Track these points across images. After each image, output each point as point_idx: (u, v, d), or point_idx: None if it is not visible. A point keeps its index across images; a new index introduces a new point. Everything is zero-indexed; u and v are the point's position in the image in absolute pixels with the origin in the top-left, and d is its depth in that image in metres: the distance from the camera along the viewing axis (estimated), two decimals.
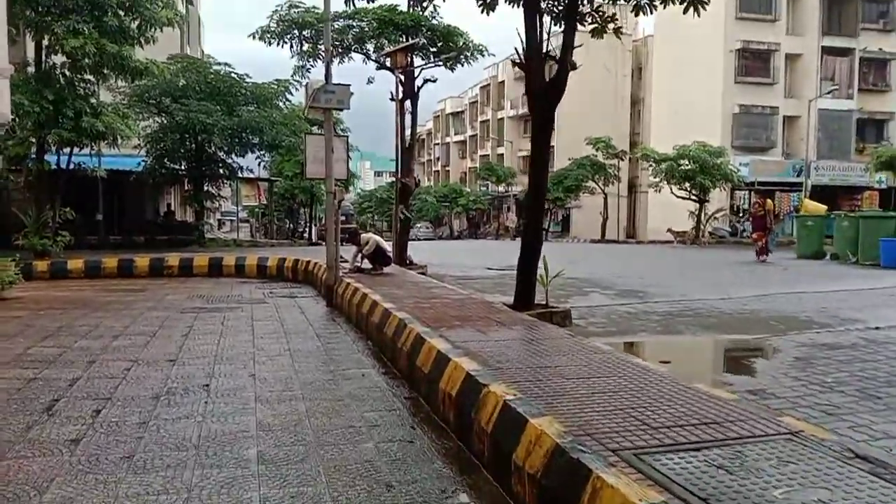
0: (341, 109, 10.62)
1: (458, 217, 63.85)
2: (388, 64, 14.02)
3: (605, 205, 39.62)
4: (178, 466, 3.81)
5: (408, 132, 14.16)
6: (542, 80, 7.91)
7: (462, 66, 14.56)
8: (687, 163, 31.29)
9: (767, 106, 38.79)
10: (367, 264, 11.61)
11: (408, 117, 14.13)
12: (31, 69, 17.62)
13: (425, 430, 4.53)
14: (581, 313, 8.52)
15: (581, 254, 23.86)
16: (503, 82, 65.57)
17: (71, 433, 4.31)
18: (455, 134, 79.34)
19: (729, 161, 32.31)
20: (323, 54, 14.55)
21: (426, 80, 13.91)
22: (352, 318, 8.89)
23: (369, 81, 14.20)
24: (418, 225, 59.79)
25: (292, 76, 13.94)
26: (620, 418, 3.51)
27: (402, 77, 13.53)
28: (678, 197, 32.46)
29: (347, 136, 11.21)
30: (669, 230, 31.02)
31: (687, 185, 32.48)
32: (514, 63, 8.24)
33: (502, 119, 65.18)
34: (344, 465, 3.90)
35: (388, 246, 11.67)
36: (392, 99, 13.87)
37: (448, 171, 79.92)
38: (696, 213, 32.76)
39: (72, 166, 19.00)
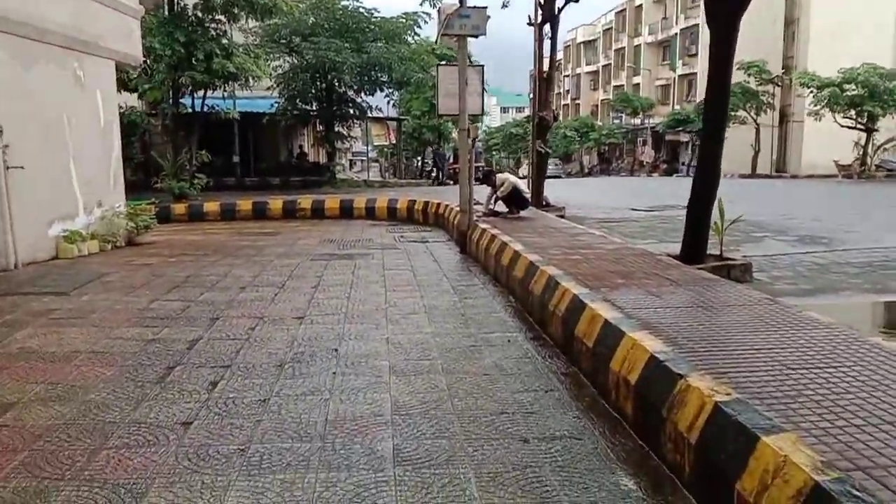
0: (477, 36, 9.58)
1: (588, 152, 61.36)
2: None
3: (756, 136, 36.31)
4: (300, 466, 3.15)
5: (546, 61, 12.92)
6: None
7: None
8: (854, 88, 27.78)
9: None
10: (501, 207, 10.72)
11: (546, 44, 12.88)
12: (163, 11, 17.63)
13: (594, 423, 3.65)
14: (759, 264, 7.26)
15: (735, 191, 21.66)
16: (640, 6, 61.56)
17: (182, 413, 3.77)
18: (587, 64, 75.85)
19: None
20: None
21: (568, 0, 12.56)
22: (489, 268, 8.07)
23: (504, 5, 13.03)
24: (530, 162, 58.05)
25: (421, 4, 12.96)
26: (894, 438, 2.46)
27: None
28: (842, 126, 29.08)
29: (483, 67, 10.14)
30: (836, 163, 27.83)
31: (852, 112, 28.96)
32: None
33: (639, 46, 61.42)
34: (499, 470, 3.10)
35: (524, 187, 10.70)
36: (530, 23, 12.66)
37: (578, 104, 76.86)
38: (864, 143, 29.24)
39: (206, 109, 19.10)
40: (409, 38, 24.60)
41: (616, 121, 60.22)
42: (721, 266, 6.69)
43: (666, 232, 10.86)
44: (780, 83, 34.56)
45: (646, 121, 51.85)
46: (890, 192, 20.50)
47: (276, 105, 24.05)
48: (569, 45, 79.09)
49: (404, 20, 23.89)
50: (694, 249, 6.81)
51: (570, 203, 14.34)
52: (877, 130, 29.53)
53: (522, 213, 10.63)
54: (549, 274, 5.66)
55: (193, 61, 17.26)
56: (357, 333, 5.45)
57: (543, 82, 12.70)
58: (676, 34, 54.21)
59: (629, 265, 6.15)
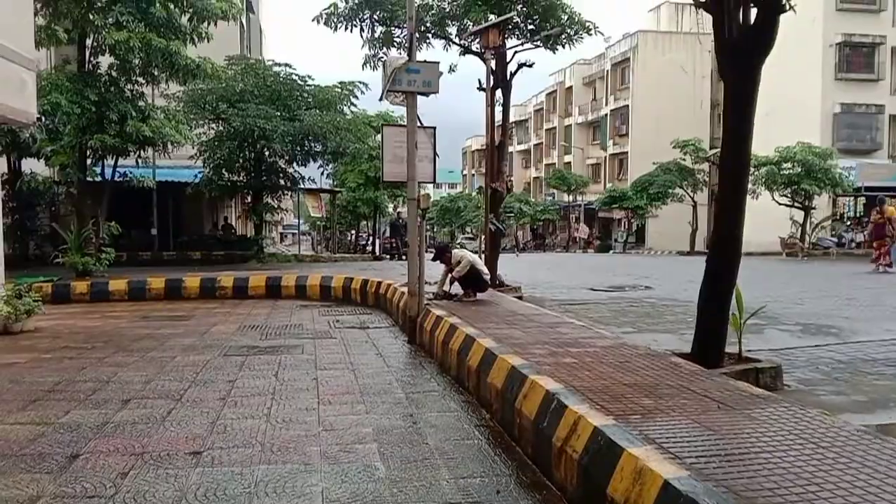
0: (428, 94, 8.29)
1: (521, 228, 61.11)
2: (475, 47, 11.71)
3: (694, 214, 36.31)
4: None
5: (497, 129, 11.76)
6: (739, 25, 5.40)
7: (564, 47, 12.09)
8: (790, 166, 27.99)
9: (872, 104, 35.05)
10: (456, 288, 9.23)
11: (498, 111, 11.75)
12: (73, 67, 15.90)
13: None
14: (774, 359, 5.94)
15: (685, 270, 20.97)
16: (570, 88, 62.92)
17: None
18: (518, 143, 76.78)
19: (837, 164, 28.84)
20: (398, 39, 12.39)
21: (521, 65, 11.51)
22: (447, 365, 6.51)
23: (451, 70, 11.91)
24: (482, 237, 57.35)
25: (363, 66, 11.71)
26: None
27: (494, 61, 11.16)
28: (780, 205, 29.14)
29: (434, 129, 8.85)
30: (781, 240, 27.65)
31: (788, 191, 29.12)
32: (696, 4, 5.74)
33: (570, 126, 62.43)
34: None
35: (483, 266, 9.26)
36: (480, 88, 11.52)
37: (512, 180, 77.34)
38: (802, 222, 29.29)
39: (118, 177, 17.22)
40: (346, 109, 23.42)
41: (549, 198, 60.40)
42: (748, 370, 5.33)
43: (640, 317, 9.58)
44: (714, 161, 34.79)
45: (578, 198, 51.96)
46: (844, 270, 20.05)
47: (201, 175, 22.28)
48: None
49: (340, 89, 22.74)
50: (711, 348, 5.44)
51: (520, 281, 13.00)
52: (814, 209, 29.77)
53: (479, 296, 9.16)
54: (548, 390, 4.14)
55: (105, 123, 15.51)
56: (277, 483, 3.76)
57: (496, 151, 11.50)
58: (606, 115, 55.26)
59: (641, 373, 4.70)
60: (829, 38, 34.75)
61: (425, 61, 8.36)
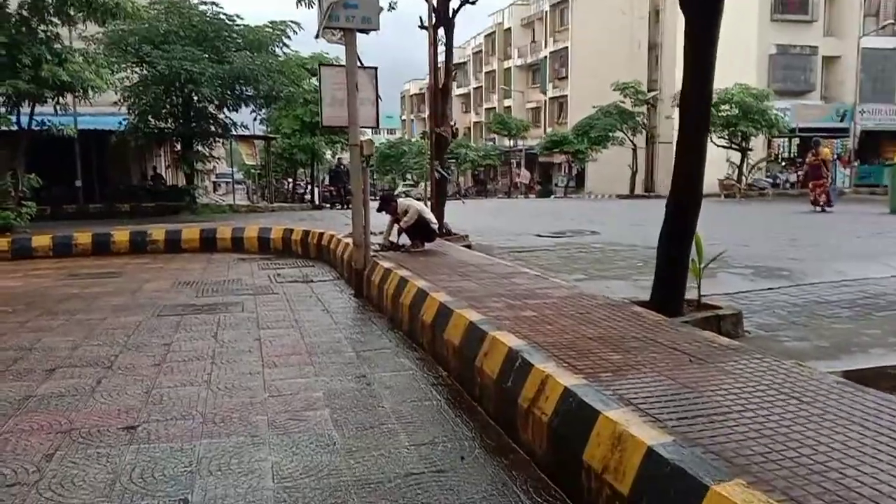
0: (368, 31, 7.78)
1: (463, 174, 60.69)
2: None
3: (633, 157, 36.48)
4: None
5: (441, 70, 11.29)
6: None
7: None
8: (728, 108, 28.23)
9: (806, 45, 35.52)
10: (403, 239, 8.90)
11: (440, 51, 11.25)
12: None
13: None
14: (731, 305, 5.85)
15: (629, 213, 21.05)
16: (509, 29, 61.98)
17: None
18: (457, 87, 75.67)
19: (773, 106, 29.23)
20: None
21: (464, 1, 11.00)
22: (399, 321, 6.23)
23: (391, 7, 11.30)
24: (422, 184, 56.66)
25: (297, 3, 10.98)
26: None
27: None
28: (718, 146, 29.46)
29: (376, 69, 8.36)
30: (720, 182, 28.03)
31: (725, 133, 29.45)
32: None
33: (509, 69, 61.69)
34: None
35: (431, 215, 8.92)
36: (422, 26, 10.98)
37: (456, 125, 76.48)
38: (739, 163, 29.76)
39: (35, 126, 16.07)
40: (278, 50, 22.37)
41: (489, 143, 59.99)
42: (709, 318, 5.19)
43: (590, 264, 9.45)
44: (653, 104, 35.03)
45: (519, 143, 51.68)
46: (782, 210, 20.45)
47: (126, 122, 21.06)
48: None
49: (271, 29, 21.66)
50: (671, 295, 5.28)
51: (465, 229, 12.74)
52: (751, 150, 30.23)
53: (427, 246, 8.86)
54: (510, 347, 3.90)
55: (18, 68, 14.34)
56: (222, 459, 3.44)
57: (440, 94, 11.05)
58: (546, 57, 54.70)
59: (604, 325, 4.50)
60: None
61: None
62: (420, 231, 8.67)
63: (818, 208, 18.99)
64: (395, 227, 8.81)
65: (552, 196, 43.36)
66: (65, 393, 4.50)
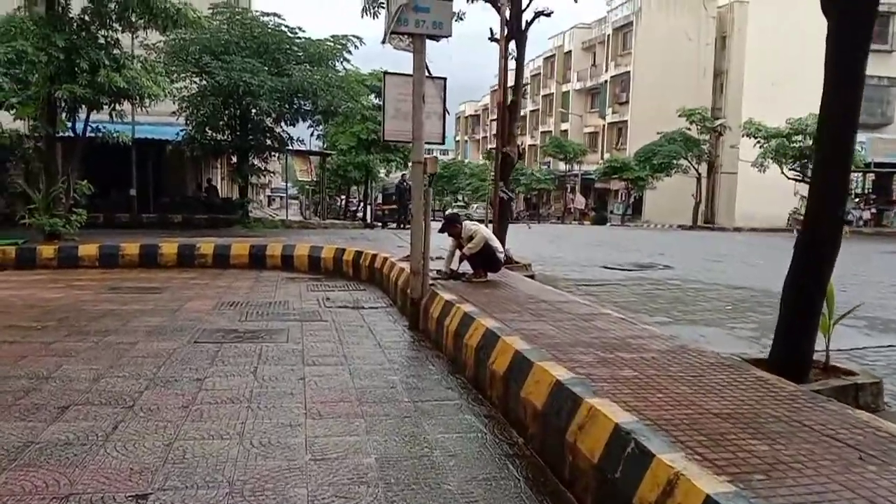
0: (439, 38, 7.09)
1: (516, 198, 59.83)
2: None
3: (698, 186, 35.14)
4: None
5: (510, 85, 10.55)
6: None
7: None
8: (801, 139, 26.83)
9: (885, 76, 33.85)
10: (465, 266, 8.11)
11: (510, 66, 10.52)
12: (40, 10, 14.44)
13: None
14: (861, 368, 4.89)
15: (698, 246, 19.92)
16: (569, 52, 61.23)
17: None
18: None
19: None
20: None
21: (538, 13, 10.26)
22: (461, 364, 5.43)
23: (459, 18, 10.65)
24: (474, 206, 55.99)
25: (362, 13, 10.42)
26: None
27: (509, 9, 9.91)
28: (790, 178, 28.09)
29: (445, 80, 7.65)
30: (792, 216, 26.62)
31: (796, 164, 28.02)
32: None
33: (567, 92, 60.83)
34: None
35: (497, 242, 8.12)
36: (492, 39, 10.28)
37: (522, 145, 75.80)
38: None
39: (90, 132, 15.88)
40: (338, 65, 22.01)
41: (544, 166, 59.05)
42: (846, 387, 4.27)
43: (670, 304, 8.54)
44: (721, 132, 33.69)
45: (575, 167, 50.66)
46: (867, 250, 19.07)
47: (183, 132, 20.91)
48: (496, 90, 78.29)
49: (332, 43, 21.33)
50: (797, 356, 4.36)
51: (525, 256, 11.90)
52: None
53: (490, 276, 8.05)
54: (617, 423, 3.05)
55: (76, 72, 14.13)
56: None
57: (508, 110, 10.30)
58: (606, 81, 53.73)
59: (726, 394, 3.62)
60: None
61: None
62: (484, 259, 7.87)
63: None
64: (458, 253, 8.04)
65: (608, 223, 42.22)
66: (73, 440, 3.81)
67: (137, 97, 15.70)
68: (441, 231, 7.91)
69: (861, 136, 31.31)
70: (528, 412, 3.93)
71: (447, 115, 7.79)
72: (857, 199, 32.49)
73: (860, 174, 32.57)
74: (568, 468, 3.35)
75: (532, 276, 9.65)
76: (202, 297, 9.15)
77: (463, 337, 5.46)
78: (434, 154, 7.96)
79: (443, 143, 7.95)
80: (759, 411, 3.34)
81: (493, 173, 11.60)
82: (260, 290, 10.08)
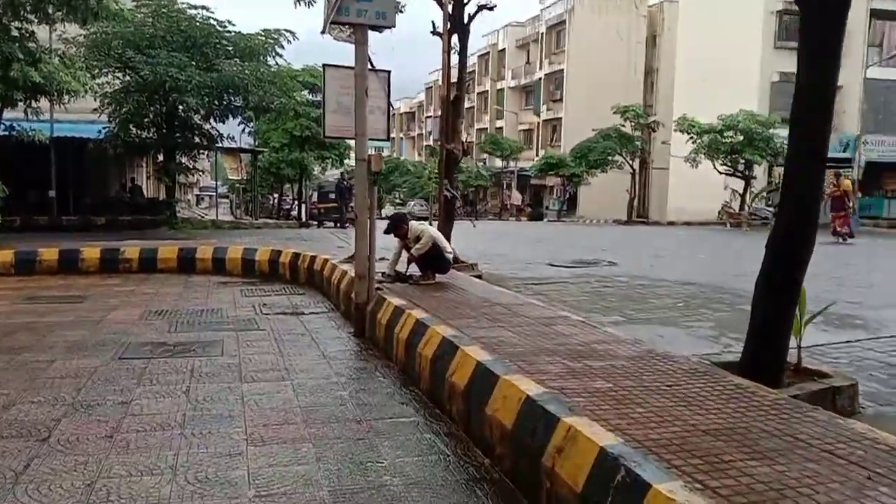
0: (381, 29, 6.70)
1: (459, 196, 59.55)
2: None
3: (632, 181, 35.59)
4: None
5: (454, 80, 10.21)
6: None
7: None
8: (732, 134, 27.46)
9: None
10: (413, 268, 7.74)
11: (454, 59, 10.18)
12: None
13: None
14: (833, 369, 4.75)
15: (637, 240, 20.00)
16: (503, 50, 61.34)
17: None
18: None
19: (778, 133, 28.52)
20: None
21: (481, 7, 9.95)
22: (416, 376, 5.07)
23: (399, 10, 10.20)
24: (411, 203, 55.58)
25: (295, 2, 9.89)
26: None
27: (451, 2, 9.58)
28: (721, 173, 28.68)
29: (389, 73, 7.26)
30: (726, 210, 27.26)
31: (727, 159, 28.67)
32: None
33: (502, 90, 60.99)
34: None
35: (446, 242, 7.76)
36: (435, 32, 9.93)
37: (467, 142, 75.50)
38: (742, 191, 28.95)
39: (3, 130, 14.83)
40: (270, 60, 21.23)
41: (479, 163, 59.10)
42: (824, 390, 4.09)
43: (622, 302, 8.37)
44: (655, 128, 34.21)
45: (510, 164, 50.76)
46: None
47: (106, 130, 19.81)
48: (430, 87, 78.09)
49: (263, 37, 20.54)
50: (770, 359, 4.16)
51: (470, 256, 11.61)
52: (754, 178, 29.47)
53: (439, 278, 7.70)
54: (601, 446, 2.75)
55: None
56: None
57: (452, 105, 9.97)
58: (540, 79, 54.07)
59: (710, 406, 3.37)
60: (770, 5, 34.41)
61: None
62: (432, 261, 7.52)
63: (840, 239, 18.48)
64: (404, 254, 7.66)
65: (544, 219, 42.43)
66: None
67: (55, 93, 14.77)
68: (387, 232, 7.51)
69: (786, 131, 32.33)
70: (496, 431, 3.60)
71: (392, 109, 7.40)
72: None
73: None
74: (545, 495, 3.03)
75: (480, 276, 9.35)
76: (127, 306, 8.51)
77: (416, 346, 5.10)
78: (378, 150, 7.56)
79: (387, 140, 7.56)
80: (748, 425, 3.10)
81: (433, 170, 11.23)
82: (190, 296, 9.47)
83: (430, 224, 9.80)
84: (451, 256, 7.75)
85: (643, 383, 3.71)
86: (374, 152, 6.98)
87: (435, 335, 4.91)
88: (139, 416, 4.31)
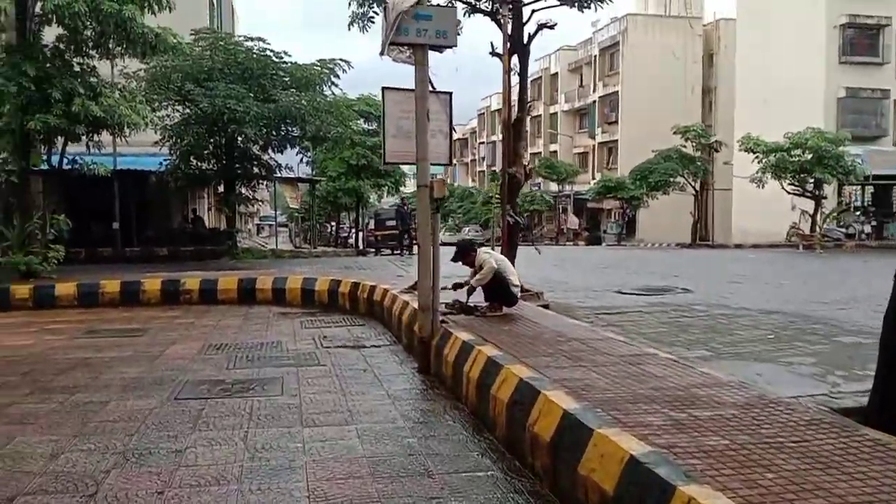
0: (442, 49, 6.38)
1: (524, 222, 58.99)
2: (484, 5, 9.76)
3: (695, 204, 34.50)
4: None
5: (514, 100, 9.83)
6: None
7: (590, 7, 10.16)
8: (800, 153, 26.37)
9: (878, 89, 33.59)
10: (480, 300, 7.30)
11: (514, 80, 9.80)
12: (10, 37, 13.68)
13: None
14: None
15: (708, 265, 19.19)
16: (556, 74, 60.97)
17: None
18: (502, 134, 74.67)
19: (848, 151, 27.30)
20: None
21: (541, 26, 9.58)
22: (490, 420, 4.62)
23: (459, 31, 9.93)
24: (466, 228, 55.31)
25: (349, 24, 9.73)
26: None
27: (510, 22, 9.24)
28: (790, 193, 27.53)
29: (450, 95, 6.92)
30: (797, 232, 26.19)
31: (795, 179, 27.51)
32: None
33: (555, 114, 60.50)
34: None
35: (513, 269, 7.31)
36: (493, 53, 9.58)
37: (494, 170, 75.26)
38: (812, 212, 27.71)
39: (67, 164, 15.08)
40: (326, 90, 21.29)
41: (534, 188, 58.57)
42: None
43: (706, 334, 7.78)
44: (717, 148, 33.20)
45: (566, 188, 50.06)
46: (883, 265, 18.50)
47: (167, 162, 20.11)
48: (483, 113, 78.17)
49: (319, 67, 20.63)
50: None
51: (534, 283, 11.13)
52: (825, 198, 28.23)
53: (506, 310, 7.26)
54: None
55: (51, 103, 13.32)
56: None
57: (514, 127, 9.59)
58: (594, 101, 53.46)
59: (844, 467, 2.84)
60: (832, 20, 33.21)
61: (438, 6, 6.41)
62: (498, 292, 7.08)
63: None
64: (467, 284, 7.23)
65: (602, 243, 41.55)
66: None
67: (116, 126, 14.94)
68: (454, 260, 7.09)
69: (857, 149, 30.99)
70: (592, 495, 3.11)
71: (454, 133, 7.04)
72: (857, 213, 31.99)
73: (859, 187, 32.10)
74: None
75: (546, 306, 8.86)
76: (186, 340, 8.32)
77: (490, 388, 4.65)
78: (440, 176, 7.21)
79: (450, 164, 7.19)
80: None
81: (495, 196, 10.87)
82: (250, 328, 9.25)
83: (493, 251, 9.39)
84: (518, 289, 7.27)
85: (763, 439, 3.19)
86: (437, 178, 6.61)
87: (511, 376, 4.46)
88: (193, 466, 3.97)
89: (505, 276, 7.05)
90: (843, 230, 29.27)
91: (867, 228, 30.16)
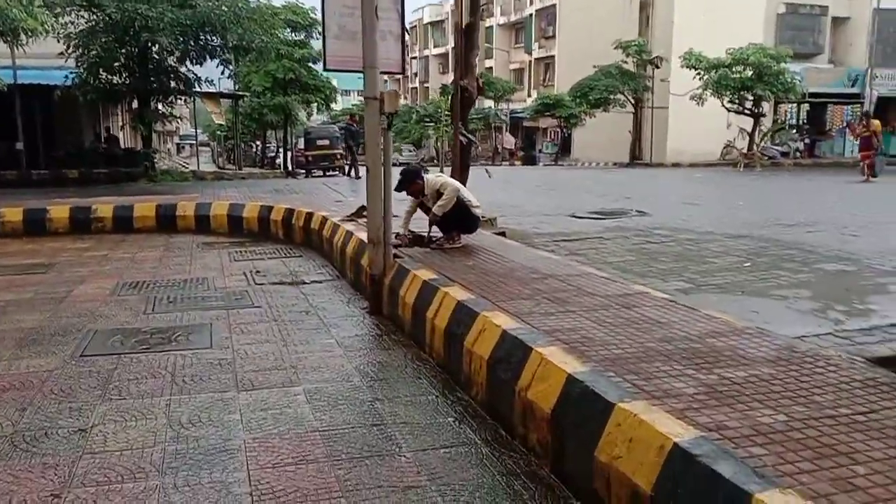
0: None
1: (440, 139, 57.74)
2: None
3: (635, 121, 33.96)
4: None
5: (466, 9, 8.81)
6: None
7: None
8: (741, 69, 26.04)
9: (816, 5, 33.33)
10: (434, 230, 6.51)
11: None
12: None
13: None
14: None
15: (654, 185, 18.92)
16: None
17: None
18: (435, 46, 72.37)
19: (789, 68, 27.08)
20: None
21: None
22: (463, 376, 3.93)
23: None
24: (401, 148, 53.84)
25: None
26: None
27: None
28: (729, 111, 27.28)
29: None
30: (737, 150, 26.14)
31: (735, 96, 27.27)
32: None
33: (491, 27, 58.58)
34: None
35: (472, 196, 6.51)
36: None
37: (427, 87, 73.21)
38: (751, 130, 27.62)
39: None
40: None
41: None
42: None
43: (678, 263, 7.24)
44: (659, 65, 32.52)
45: (502, 106, 48.89)
46: (825, 183, 18.82)
47: (73, 76, 18.17)
48: (415, 26, 75.23)
49: None
50: None
51: (484, 207, 10.39)
52: (764, 115, 28.13)
53: (465, 239, 6.50)
54: None
55: None
56: None
57: (466, 38, 8.61)
58: (531, 15, 51.87)
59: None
60: None
61: None
62: (457, 219, 6.29)
63: (866, 177, 18.82)
64: (423, 212, 6.42)
65: (539, 163, 41.00)
66: None
67: (10, 33, 13.20)
68: (398, 189, 6.19)
69: (795, 67, 30.87)
70: (619, 490, 2.45)
71: (408, 35, 6.08)
72: (793, 131, 32.19)
73: (794, 105, 32.18)
74: None
75: (503, 234, 8.17)
76: (97, 277, 7.30)
77: (463, 339, 3.93)
78: (392, 87, 6.25)
79: (403, 73, 6.25)
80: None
81: (445, 111, 9.90)
82: (171, 262, 8.24)
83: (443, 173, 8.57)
84: (479, 209, 6.50)
85: (824, 411, 2.57)
86: (387, 89, 5.68)
87: (491, 327, 3.74)
88: (101, 453, 3.15)
89: (465, 199, 6.25)
90: (779, 148, 29.43)
91: (800, 146, 30.49)
